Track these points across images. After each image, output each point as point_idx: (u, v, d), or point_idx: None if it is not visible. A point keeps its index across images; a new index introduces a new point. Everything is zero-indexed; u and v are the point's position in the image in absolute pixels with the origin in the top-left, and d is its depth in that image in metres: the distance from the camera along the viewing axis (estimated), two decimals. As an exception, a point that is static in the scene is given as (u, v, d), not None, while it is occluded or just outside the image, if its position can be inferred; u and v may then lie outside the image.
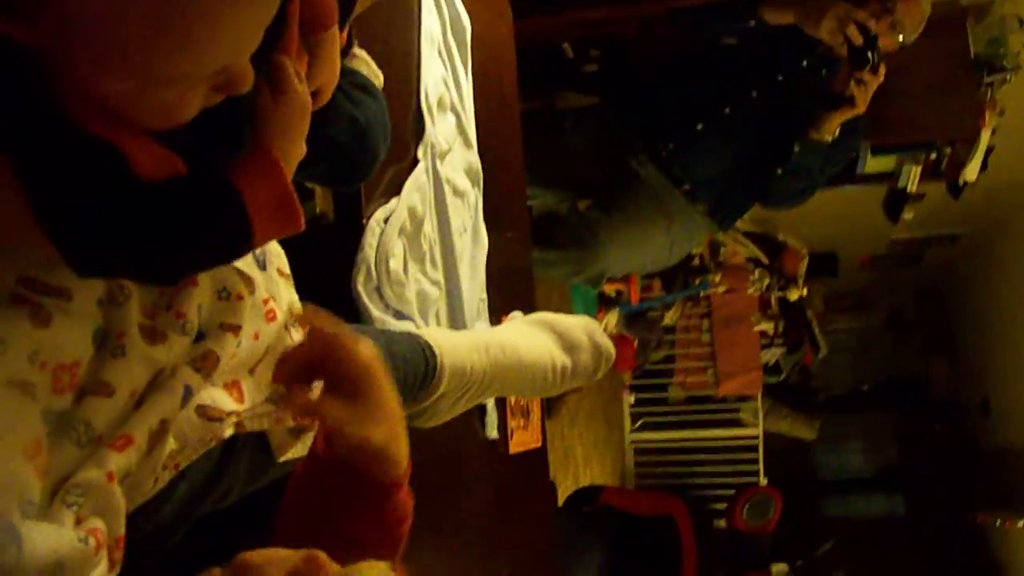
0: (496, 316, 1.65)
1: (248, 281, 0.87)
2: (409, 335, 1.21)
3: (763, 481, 5.89)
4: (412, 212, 1.38)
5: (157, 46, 0.58)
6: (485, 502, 1.60)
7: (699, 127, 2.63)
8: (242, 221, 0.74)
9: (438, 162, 1.51)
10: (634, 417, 6.48)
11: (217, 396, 0.82)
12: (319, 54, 0.87)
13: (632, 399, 6.46)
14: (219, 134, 0.75)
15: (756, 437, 6.26)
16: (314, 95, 0.85)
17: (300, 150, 0.82)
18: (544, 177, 2.82)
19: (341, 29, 0.92)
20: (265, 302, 0.89)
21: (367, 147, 1.03)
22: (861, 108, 2.42)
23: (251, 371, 0.89)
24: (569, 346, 1.35)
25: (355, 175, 1.06)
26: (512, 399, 1.73)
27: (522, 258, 2.13)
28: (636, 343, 5.85)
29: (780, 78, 2.59)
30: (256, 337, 0.87)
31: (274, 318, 0.90)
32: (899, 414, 8.72)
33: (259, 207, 0.75)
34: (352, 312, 1.24)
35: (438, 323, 1.46)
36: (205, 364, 0.80)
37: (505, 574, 1.65)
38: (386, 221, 1.33)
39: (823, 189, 2.76)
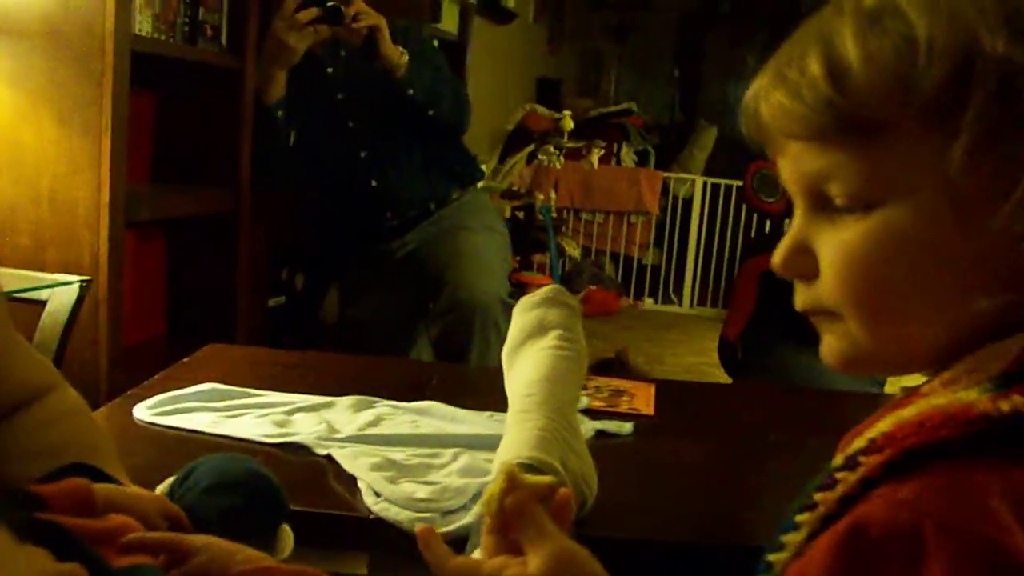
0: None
1: None
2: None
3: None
4: (376, 467, 1.32)
5: None
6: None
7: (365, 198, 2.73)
8: None
9: (336, 435, 1.47)
10: (664, 301, 6.45)
11: None
12: None
13: (646, 303, 6.43)
14: None
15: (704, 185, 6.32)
16: None
17: None
18: (399, 343, 2.81)
19: None
20: None
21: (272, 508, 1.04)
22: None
23: None
24: (540, 329, 1.30)
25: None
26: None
27: (460, 376, 2.14)
28: (594, 287, 5.84)
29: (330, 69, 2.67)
30: None
31: None
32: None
33: None
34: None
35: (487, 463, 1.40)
36: None
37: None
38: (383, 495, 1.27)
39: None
